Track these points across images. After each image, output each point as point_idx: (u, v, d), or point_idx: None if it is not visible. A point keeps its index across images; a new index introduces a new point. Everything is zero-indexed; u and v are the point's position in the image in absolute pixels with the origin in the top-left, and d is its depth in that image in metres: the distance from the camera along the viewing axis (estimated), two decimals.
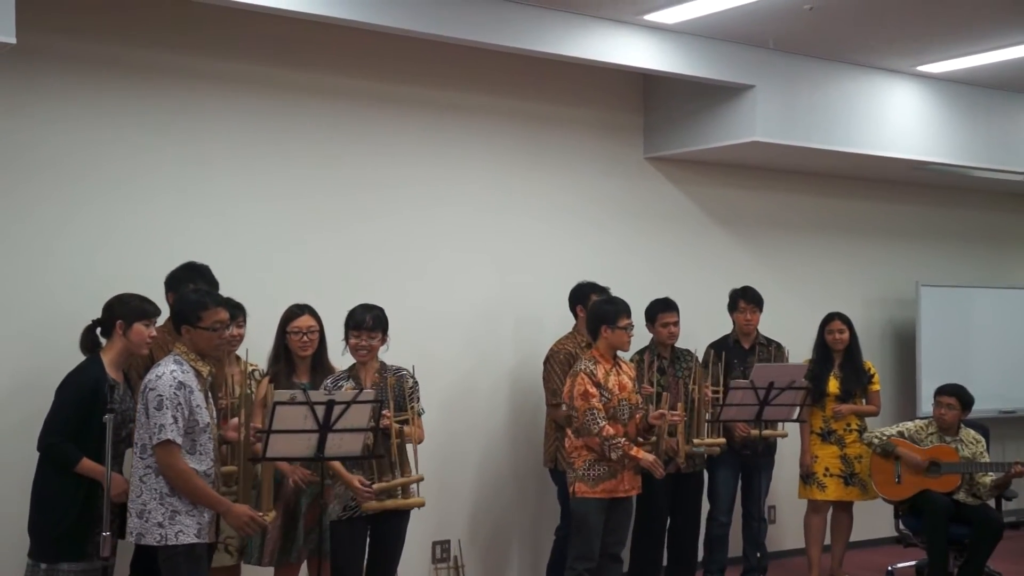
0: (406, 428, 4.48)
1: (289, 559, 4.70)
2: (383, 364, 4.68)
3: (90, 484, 4.04)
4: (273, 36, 5.55)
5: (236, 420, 4.21)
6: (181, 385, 3.84)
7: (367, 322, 4.57)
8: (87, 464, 4.04)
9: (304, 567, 4.88)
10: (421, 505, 4.61)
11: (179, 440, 3.81)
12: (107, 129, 5.17)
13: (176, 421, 3.80)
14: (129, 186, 5.22)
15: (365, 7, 5.14)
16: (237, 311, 4.58)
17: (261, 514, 4.04)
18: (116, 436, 4.04)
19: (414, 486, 4.60)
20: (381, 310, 4.65)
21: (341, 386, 4.52)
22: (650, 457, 5.12)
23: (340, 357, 4.76)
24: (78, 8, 5.09)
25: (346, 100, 5.85)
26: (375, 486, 4.43)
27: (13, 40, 4.29)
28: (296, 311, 4.78)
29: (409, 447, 4.53)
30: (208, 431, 3.94)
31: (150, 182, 5.27)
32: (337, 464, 4.42)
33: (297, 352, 4.75)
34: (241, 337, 4.70)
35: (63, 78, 5.07)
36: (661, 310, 5.91)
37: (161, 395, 3.80)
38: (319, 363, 4.79)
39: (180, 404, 3.81)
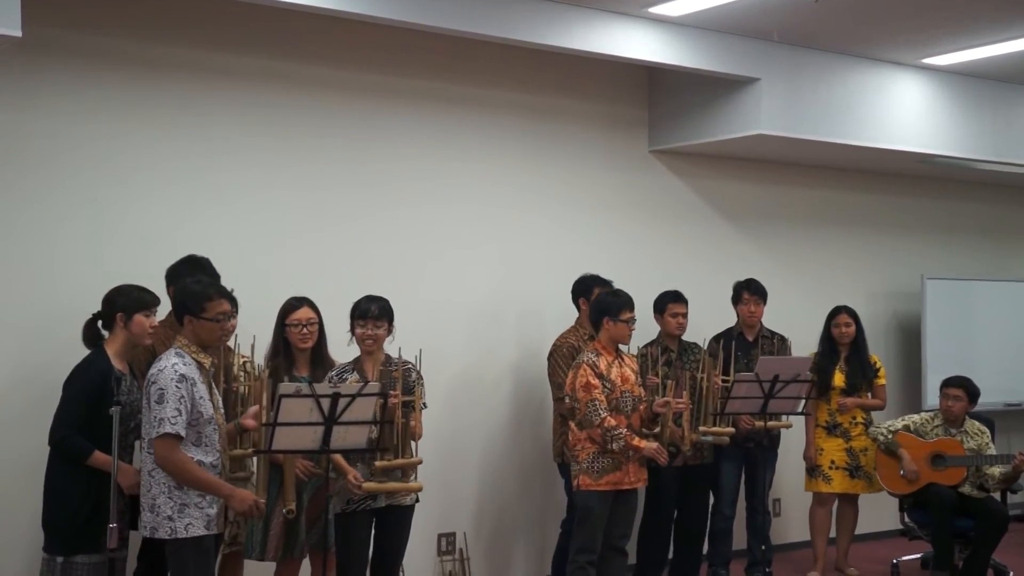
0: (391, 400, 4.45)
1: (292, 554, 4.72)
2: (388, 356, 4.69)
3: (103, 477, 4.04)
4: (280, 30, 5.55)
5: (256, 408, 4.21)
6: (183, 378, 3.84)
7: (372, 311, 4.59)
8: (99, 456, 4.05)
9: (307, 561, 4.89)
10: (419, 489, 4.59)
11: (182, 432, 3.82)
12: (111, 122, 5.18)
13: (180, 414, 3.81)
14: (133, 179, 5.23)
15: (372, 1, 5.14)
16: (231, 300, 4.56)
17: (269, 503, 4.05)
18: (124, 427, 4.07)
19: (413, 475, 4.60)
20: (387, 301, 4.67)
21: (346, 378, 4.53)
22: (653, 445, 5.13)
23: (346, 348, 4.76)
24: (83, 2, 5.10)
25: (351, 94, 5.85)
26: (377, 464, 4.43)
27: (19, 33, 4.30)
28: (295, 303, 4.78)
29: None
30: (213, 422, 3.95)
31: (154, 175, 5.28)
32: (336, 456, 4.43)
33: (296, 345, 4.75)
34: (232, 328, 4.67)
35: (68, 71, 5.07)
36: (671, 301, 5.92)
37: (163, 389, 3.81)
38: (319, 356, 4.79)
39: (183, 397, 3.82)
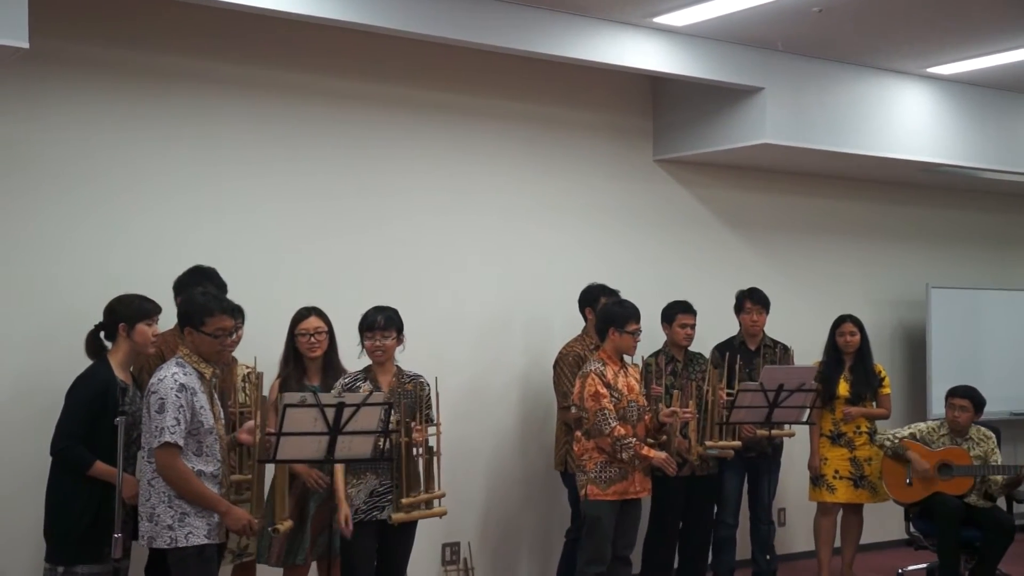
0: (415, 435, 4.52)
1: (295, 561, 4.72)
2: (399, 369, 4.70)
3: (104, 487, 4.06)
4: (285, 40, 5.56)
5: (251, 423, 4.22)
6: (183, 388, 3.84)
7: (379, 322, 4.61)
8: (100, 467, 4.06)
9: (314, 567, 4.90)
10: (443, 514, 4.66)
11: (180, 442, 3.82)
12: (117, 132, 5.19)
13: (178, 423, 3.81)
14: (139, 189, 5.24)
15: (377, 11, 5.15)
16: (236, 313, 4.56)
17: (261, 520, 4.05)
18: (128, 438, 4.06)
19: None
20: (394, 311, 4.68)
21: (358, 387, 4.54)
22: (662, 455, 5.12)
23: (356, 361, 4.77)
24: (90, 13, 5.12)
25: (357, 104, 5.86)
26: (403, 500, 4.46)
27: (26, 45, 4.31)
28: (303, 313, 4.81)
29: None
30: (214, 433, 3.95)
31: (160, 185, 5.29)
32: (339, 480, 4.45)
33: (306, 354, 4.77)
34: (238, 339, 4.66)
35: (74, 82, 5.09)
36: (680, 311, 5.92)
37: (163, 398, 3.81)
38: (330, 365, 4.81)
39: (182, 406, 3.82)
